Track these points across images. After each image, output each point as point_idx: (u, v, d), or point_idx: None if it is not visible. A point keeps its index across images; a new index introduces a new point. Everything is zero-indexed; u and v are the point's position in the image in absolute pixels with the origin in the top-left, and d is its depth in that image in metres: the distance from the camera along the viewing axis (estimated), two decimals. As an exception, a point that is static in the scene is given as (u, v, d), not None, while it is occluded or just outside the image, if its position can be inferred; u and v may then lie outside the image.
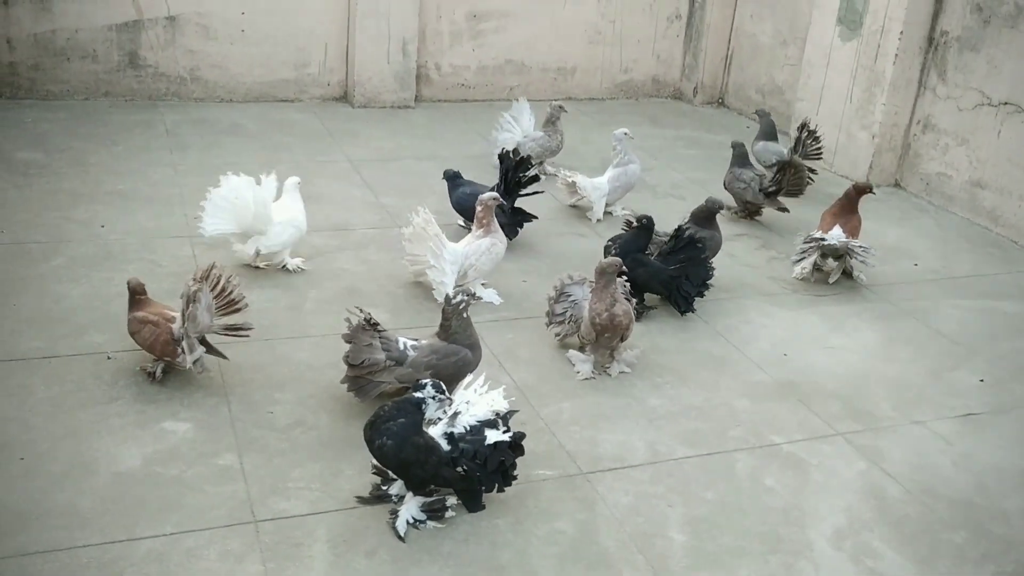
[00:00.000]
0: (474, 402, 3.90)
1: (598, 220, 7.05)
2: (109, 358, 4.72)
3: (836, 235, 6.28)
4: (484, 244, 5.58)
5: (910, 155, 8.31)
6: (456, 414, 3.84)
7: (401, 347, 4.39)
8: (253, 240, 5.67)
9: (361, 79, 9.27)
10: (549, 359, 5.15)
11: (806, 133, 7.65)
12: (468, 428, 3.81)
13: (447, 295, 4.53)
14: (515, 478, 3.93)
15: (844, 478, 4.38)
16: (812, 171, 7.70)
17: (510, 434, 3.86)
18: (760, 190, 7.19)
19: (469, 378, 4.13)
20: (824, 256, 6.37)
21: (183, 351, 4.44)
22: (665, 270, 5.62)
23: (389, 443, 3.69)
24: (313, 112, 9.12)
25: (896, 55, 7.98)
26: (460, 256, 5.54)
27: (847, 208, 6.47)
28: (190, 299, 4.40)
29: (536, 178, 6.50)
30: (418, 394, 3.73)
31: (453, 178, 6.51)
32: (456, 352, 4.39)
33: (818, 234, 6.35)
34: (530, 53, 10.06)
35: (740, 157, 7.37)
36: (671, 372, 5.12)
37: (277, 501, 3.87)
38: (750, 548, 3.88)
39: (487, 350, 5.12)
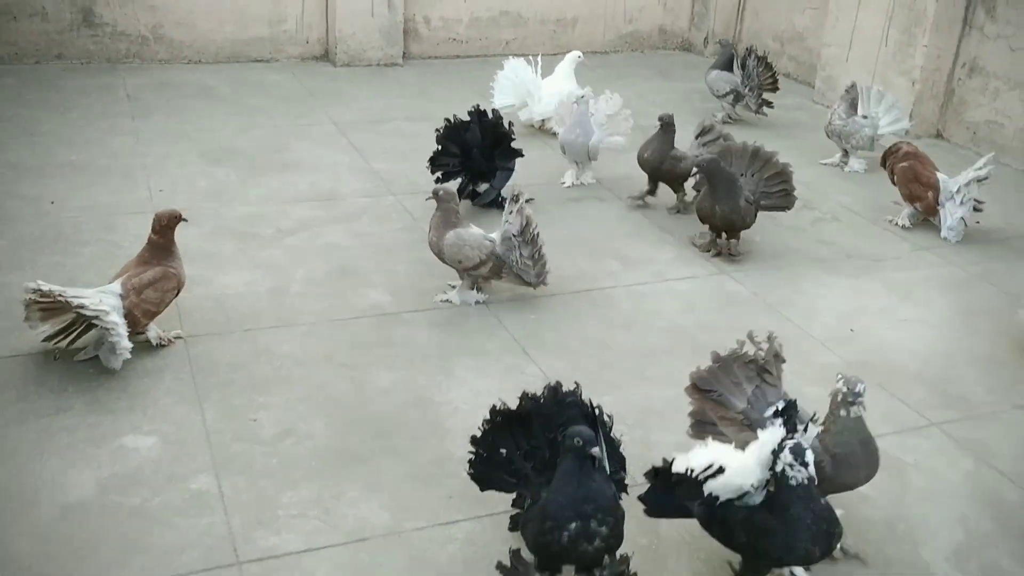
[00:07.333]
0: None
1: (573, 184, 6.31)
2: (56, 358, 3.92)
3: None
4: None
5: (954, 102, 7.52)
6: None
7: None
8: (527, 109, 6.94)
9: (343, 35, 8.41)
10: (581, 343, 4.38)
11: (755, 61, 7.49)
12: None
13: None
14: None
15: (950, 481, 3.64)
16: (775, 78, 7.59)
17: None
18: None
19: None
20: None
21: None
22: None
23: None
24: (291, 72, 8.26)
25: (939, -10, 7.19)
26: None
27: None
28: None
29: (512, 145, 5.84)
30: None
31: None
32: None
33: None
34: (527, 3, 9.20)
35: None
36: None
37: (265, 535, 3.10)
38: (856, 574, 3.14)
39: (507, 333, 4.38)
